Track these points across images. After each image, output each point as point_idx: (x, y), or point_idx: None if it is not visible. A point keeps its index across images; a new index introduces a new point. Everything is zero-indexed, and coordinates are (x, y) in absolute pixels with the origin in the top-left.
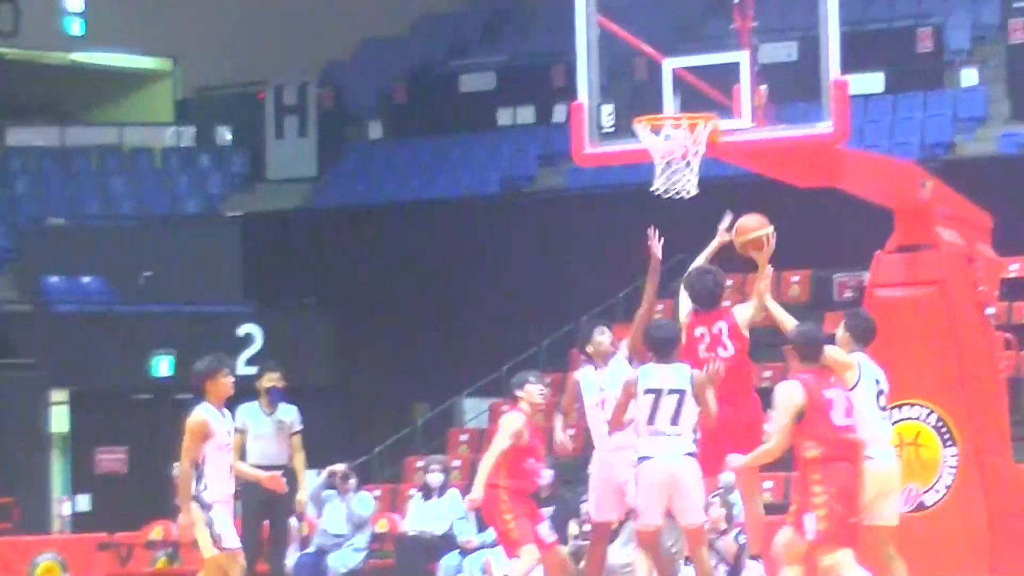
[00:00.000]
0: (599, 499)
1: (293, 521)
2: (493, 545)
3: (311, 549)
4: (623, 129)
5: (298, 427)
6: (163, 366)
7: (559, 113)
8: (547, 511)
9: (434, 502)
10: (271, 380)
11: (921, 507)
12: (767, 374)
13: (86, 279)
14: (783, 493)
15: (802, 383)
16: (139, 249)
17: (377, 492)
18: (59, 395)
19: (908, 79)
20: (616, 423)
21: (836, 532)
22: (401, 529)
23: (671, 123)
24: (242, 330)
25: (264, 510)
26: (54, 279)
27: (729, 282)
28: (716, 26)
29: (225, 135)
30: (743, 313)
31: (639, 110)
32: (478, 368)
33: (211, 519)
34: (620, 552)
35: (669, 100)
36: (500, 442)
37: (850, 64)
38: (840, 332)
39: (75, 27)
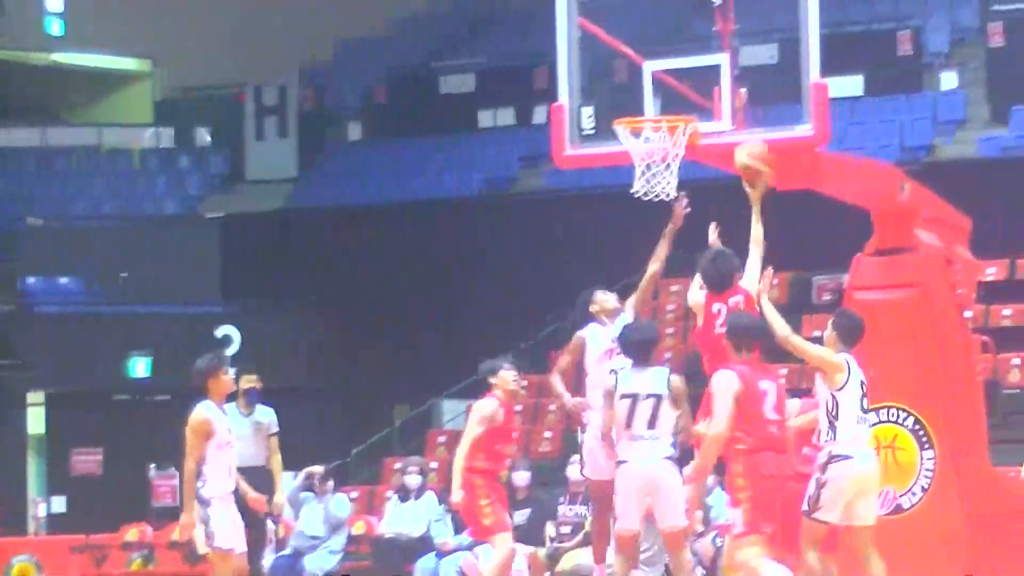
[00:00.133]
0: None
1: (269, 523)
2: (471, 547)
3: (287, 551)
4: (603, 131)
5: (275, 429)
6: (140, 367)
7: (540, 115)
8: (524, 512)
9: (411, 504)
10: (249, 381)
11: (898, 510)
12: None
13: (65, 280)
14: None
15: (738, 373)
16: (118, 250)
17: (354, 494)
18: (35, 396)
19: (888, 82)
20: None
21: (758, 525)
22: (378, 531)
23: (651, 125)
24: (220, 331)
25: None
26: (33, 279)
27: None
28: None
29: (205, 136)
30: (751, 280)
31: (619, 112)
32: (457, 369)
33: (208, 516)
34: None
35: (649, 102)
36: (471, 430)
37: (830, 67)
38: (828, 331)
39: (55, 28)
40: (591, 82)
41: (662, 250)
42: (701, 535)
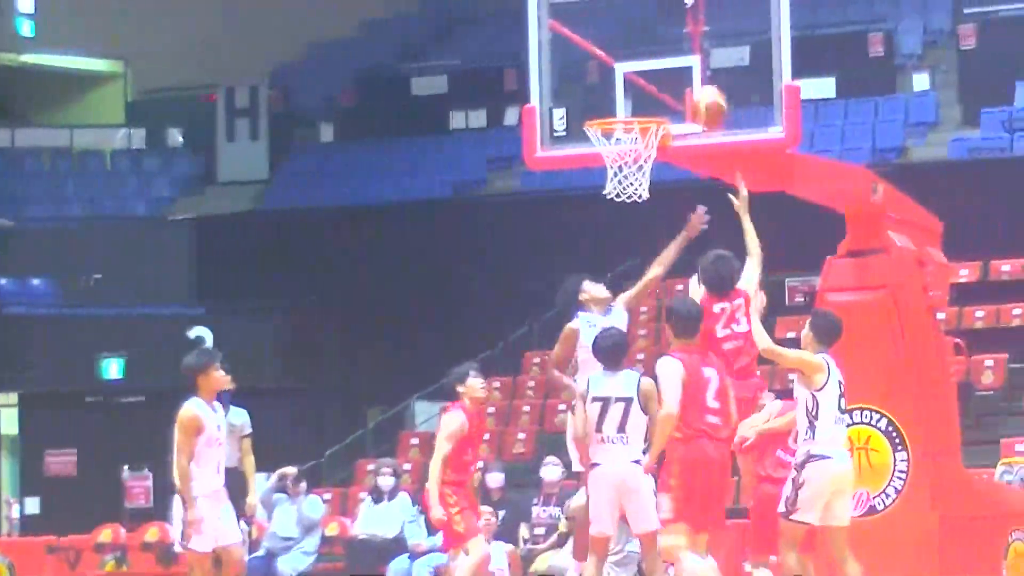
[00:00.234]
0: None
1: (242, 524)
2: (444, 549)
3: (260, 552)
4: (575, 133)
5: (248, 430)
6: (113, 368)
7: (511, 116)
8: (500, 514)
9: (384, 505)
10: None
11: (871, 511)
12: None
13: (35, 281)
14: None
15: (681, 361)
16: (89, 251)
17: (327, 495)
18: (8, 398)
19: (860, 84)
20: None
21: (686, 512)
22: (351, 532)
23: (623, 127)
24: (193, 332)
25: None
26: (2, 281)
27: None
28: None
29: (176, 137)
30: (750, 283)
31: (591, 114)
32: (430, 371)
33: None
34: (567, 556)
35: (621, 104)
36: (442, 447)
37: (802, 69)
38: (805, 331)
39: (26, 28)
40: (563, 84)
41: (669, 255)
42: None
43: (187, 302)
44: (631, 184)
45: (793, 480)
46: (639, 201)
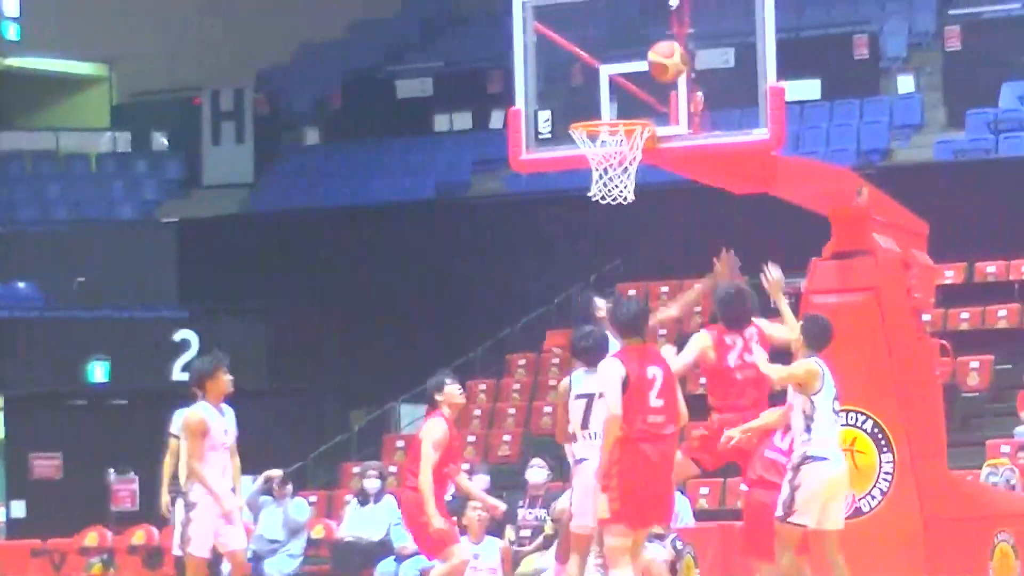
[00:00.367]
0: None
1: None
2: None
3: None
4: (560, 135)
5: (234, 432)
6: (98, 371)
7: (496, 119)
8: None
9: (370, 508)
10: None
11: (858, 513)
12: None
13: (20, 284)
14: (719, 500)
15: (624, 361)
16: (74, 255)
17: (313, 498)
18: None
19: (844, 86)
20: (562, 435)
21: (623, 512)
22: (337, 535)
23: (608, 129)
24: (178, 335)
25: None
26: None
27: (665, 288)
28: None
29: (161, 141)
30: (768, 326)
31: (576, 116)
32: (414, 374)
33: (189, 519)
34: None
35: (606, 106)
36: (428, 456)
37: (786, 71)
38: (795, 336)
39: (11, 32)
40: (548, 86)
41: (689, 299)
42: (660, 537)
43: (173, 305)
44: (616, 186)
45: (790, 482)
46: (624, 203)
